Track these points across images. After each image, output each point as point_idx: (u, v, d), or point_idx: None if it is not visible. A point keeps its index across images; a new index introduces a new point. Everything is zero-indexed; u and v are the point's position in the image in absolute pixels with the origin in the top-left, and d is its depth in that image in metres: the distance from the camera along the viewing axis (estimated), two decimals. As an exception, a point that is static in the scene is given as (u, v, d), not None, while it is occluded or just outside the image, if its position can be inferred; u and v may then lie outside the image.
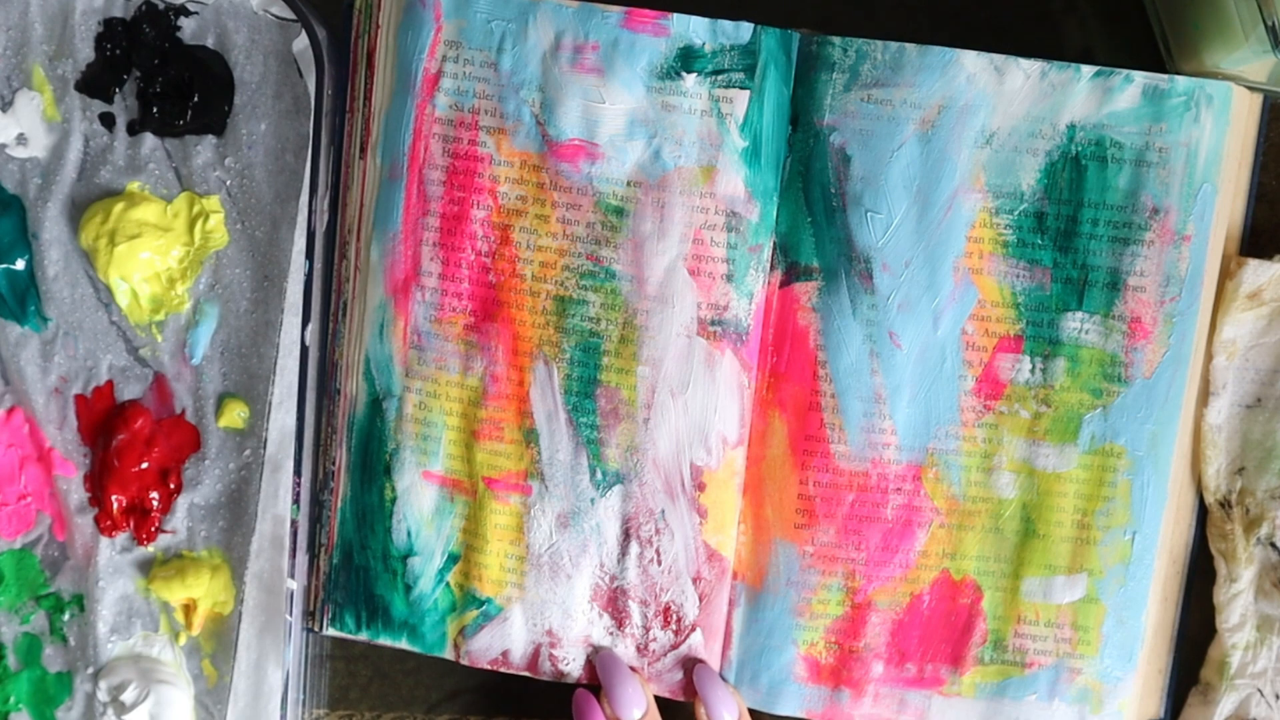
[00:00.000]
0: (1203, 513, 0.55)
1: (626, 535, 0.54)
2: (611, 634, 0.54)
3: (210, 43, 0.54)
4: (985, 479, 0.53)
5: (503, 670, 0.55)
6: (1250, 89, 0.52)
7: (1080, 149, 0.52)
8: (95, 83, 0.55)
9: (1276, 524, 0.54)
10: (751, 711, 0.55)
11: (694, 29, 0.52)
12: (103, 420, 0.56)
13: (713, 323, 0.53)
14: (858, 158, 0.52)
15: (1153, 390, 0.53)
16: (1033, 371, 0.53)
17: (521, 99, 0.52)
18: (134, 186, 0.55)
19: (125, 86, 0.55)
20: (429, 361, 0.54)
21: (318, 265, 0.55)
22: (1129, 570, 0.53)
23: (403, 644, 0.55)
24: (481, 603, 0.54)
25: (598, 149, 0.52)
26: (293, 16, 0.54)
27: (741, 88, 0.52)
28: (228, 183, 0.55)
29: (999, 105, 0.52)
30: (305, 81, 0.54)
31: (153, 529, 0.56)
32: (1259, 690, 0.55)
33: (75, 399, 0.56)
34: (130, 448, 0.55)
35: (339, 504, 0.55)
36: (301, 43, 0.54)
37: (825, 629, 0.54)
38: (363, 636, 0.55)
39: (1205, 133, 0.52)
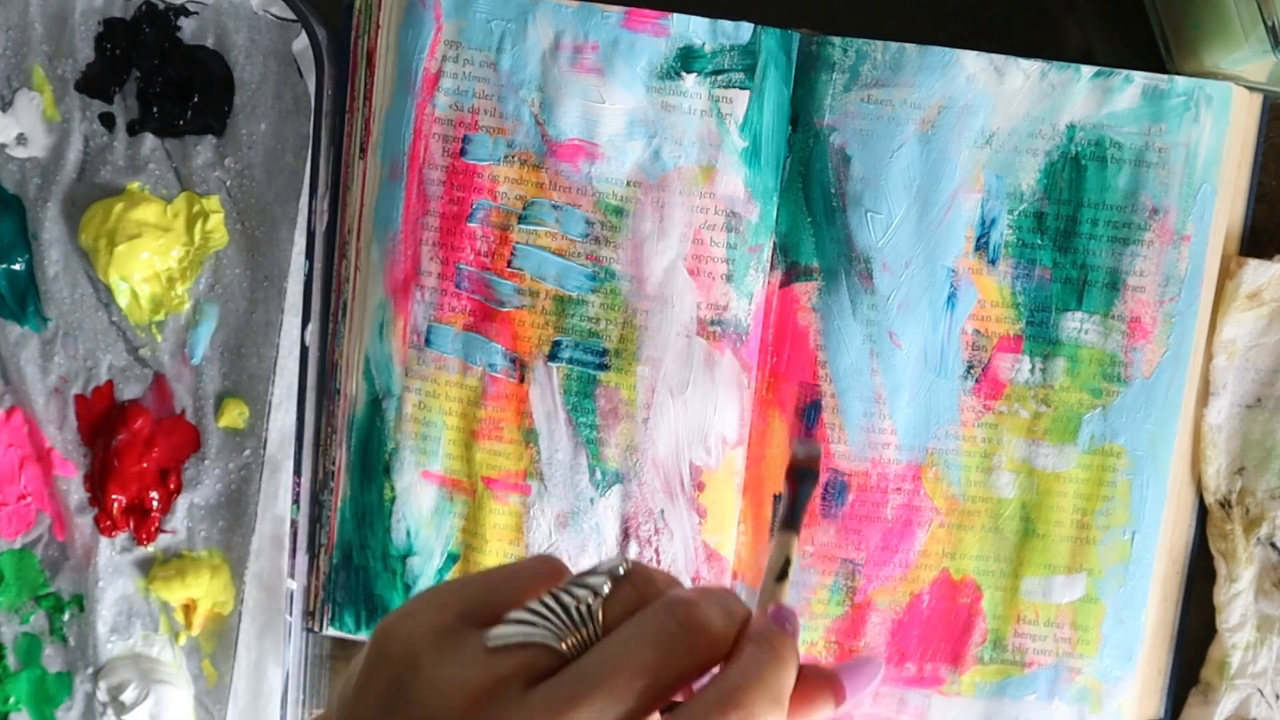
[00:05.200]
0: (1203, 513, 0.55)
1: (626, 535, 0.54)
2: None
3: (210, 43, 0.54)
4: (985, 479, 0.53)
5: (502, 670, 0.55)
6: (1250, 89, 0.52)
7: (1080, 149, 0.52)
8: (95, 83, 0.55)
9: (1276, 524, 0.54)
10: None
11: (694, 29, 0.52)
12: (103, 420, 0.56)
13: (712, 323, 0.53)
14: (858, 158, 0.52)
15: (1152, 390, 0.53)
16: (1032, 371, 0.53)
17: (521, 99, 0.52)
18: (134, 186, 0.55)
19: (125, 86, 0.55)
20: (428, 361, 0.54)
21: (318, 265, 0.55)
22: (1128, 570, 0.53)
23: (402, 644, 0.55)
24: (481, 603, 0.54)
25: (597, 149, 0.52)
26: (293, 16, 0.54)
27: (741, 88, 0.52)
28: (228, 183, 0.55)
29: (999, 105, 0.52)
30: (305, 81, 0.54)
31: (153, 529, 0.56)
32: (1259, 690, 0.55)
33: (75, 399, 0.56)
34: (130, 448, 0.55)
35: (339, 504, 0.55)
36: (301, 43, 0.54)
37: (825, 629, 0.54)
38: (362, 636, 0.55)
39: (1205, 133, 0.52)
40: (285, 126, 0.55)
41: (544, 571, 0.35)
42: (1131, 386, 0.53)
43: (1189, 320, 0.53)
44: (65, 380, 0.56)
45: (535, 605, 0.33)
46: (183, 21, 0.54)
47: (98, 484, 0.56)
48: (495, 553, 0.54)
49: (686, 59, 0.52)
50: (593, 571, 0.34)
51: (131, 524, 0.56)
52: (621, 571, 0.34)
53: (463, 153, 0.53)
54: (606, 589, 0.34)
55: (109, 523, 0.56)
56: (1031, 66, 0.52)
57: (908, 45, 0.52)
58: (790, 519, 0.37)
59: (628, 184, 0.52)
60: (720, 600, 0.34)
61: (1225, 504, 0.54)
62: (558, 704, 0.31)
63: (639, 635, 0.33)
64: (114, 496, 0.55)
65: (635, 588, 0.34)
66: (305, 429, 0.55)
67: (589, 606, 0.33)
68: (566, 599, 0.33)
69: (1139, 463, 0.53)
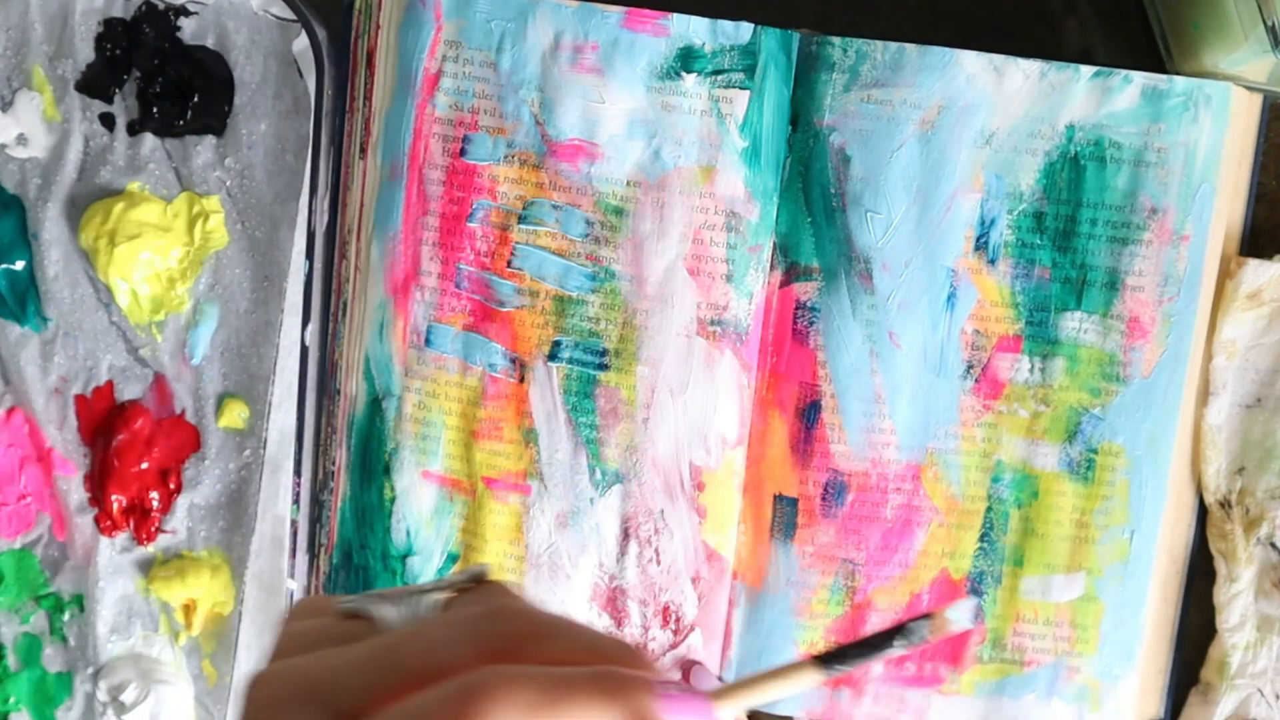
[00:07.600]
0: (1203, 513, 0.55)
1: (626, 535, 0.54)
2: (610, 634, 0.54)
3: (210, 43, 0.54)
4: (984, 478, 0.53)
5: (502, 670, 0.55)
6: (1250, 89, 0.52)
7: (1079, 149, 0.52)
8: (95, 83, 0.55)
9: (1276, 524, 0.54)
10: (750, 712, 0.55)
11: (694, 29, 0.52)
12: (103, 420, 0.56)
13: (712, 322, 0.53)
14: (858, 158, 0.52)
15: (1151, 390, 0.53)
16: (1032, 371, 0.53)
17: (521, 99, 0.52)
18: (134, 186, 0.55)
19: (125, 86, 0.55)
20: (428, 361, 0.54)
21: (318, 265, 0.55)
22: (1127, 569, 0.53)
23: (402, 644, 0.55)
24: (481, 602, 0.54)
25: (597, 149, 0.52)
26: (293, 16, 0.54)
27: (741, 88, 0.52)
28: (228, 183, 0.55)
29: (998, 105, 0.52)
30: (305, 81, 0.54)
31: (153, 529, 0.56)
32: (1259, 690, 0.55)
33: (75, 399, 0.56)
34: (130, 448, 0.55)
35: (339, 504, 0.55)
36: (301, 43, 0.54)
37: (825, 629, 0.54)
38: (362, 636, 0.55)
39: (1204, 133, 0.52)
40: (285, 126, 0.55)
41: None
42: (1130, 386, 0.53)
43: (1188, 320, 0.53)
44: (65, 380, 0.56)
45: (401, 590, 0.34)
46: (183, 21, 0.54)
47: (98, 484, 0.56)
48: (495, 552, 0.54)
49: (686, 59, 0.52)
50: (462, 574, 0.35)
51: (131, 524, 0.56)
52: (485, 577, 0.34)
53: (463, 153, 0.53)
54: (463, 588, 0.34)
55: (109, 523, 0.56)
56: (1031, 66, 0.52)
57: (908, 45, 0.52)
58: (831, 658, 0.32)
59: (628, 184, 0.52)
60: (566, 626, 0.32)
61: (1225, 504, 0.54)
62: (357, 650, 0.32)
63: (451, 614, 0.33)
64: (114, 496, 0.55)
65: (488, 592, 0.34)
66: (305, 429, 0.55)
67: (436, 602, 0.34)
68: (428, 587, 0.34)
69: (1138, 462, 0.53)
